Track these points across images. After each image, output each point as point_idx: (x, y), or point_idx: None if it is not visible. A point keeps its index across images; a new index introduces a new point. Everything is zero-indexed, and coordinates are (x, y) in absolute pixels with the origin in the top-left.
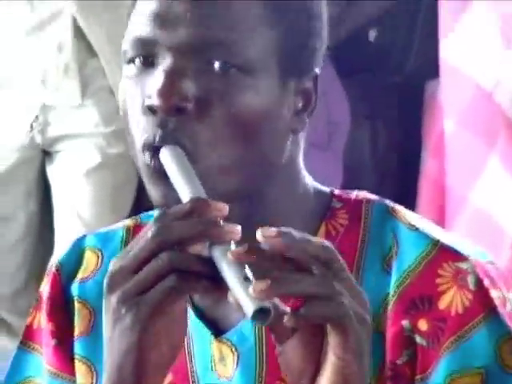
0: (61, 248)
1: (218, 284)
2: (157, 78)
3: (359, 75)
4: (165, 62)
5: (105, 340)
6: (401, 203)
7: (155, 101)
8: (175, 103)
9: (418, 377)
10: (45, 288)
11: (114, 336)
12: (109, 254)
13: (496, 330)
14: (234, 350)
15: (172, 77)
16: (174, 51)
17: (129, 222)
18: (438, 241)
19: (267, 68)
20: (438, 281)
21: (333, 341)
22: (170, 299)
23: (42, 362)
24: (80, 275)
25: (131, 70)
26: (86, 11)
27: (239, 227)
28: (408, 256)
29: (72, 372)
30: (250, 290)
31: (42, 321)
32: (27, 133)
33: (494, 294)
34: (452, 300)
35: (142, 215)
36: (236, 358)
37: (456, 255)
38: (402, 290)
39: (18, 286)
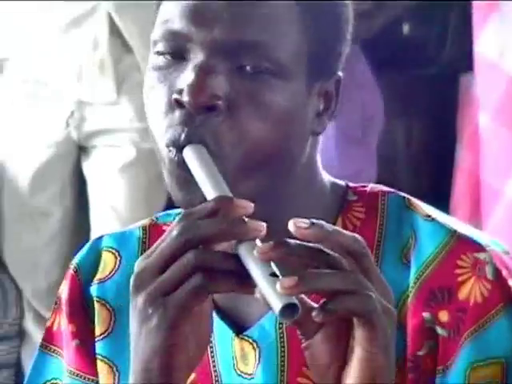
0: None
1: (244, 281)
2: (187, 74)
3: (393, 69)
4: (197, 59)
5: (131, 340)
6: (435, 196)
7: (185, 96)
8: (205, 101)
9: (439, 368)
10: (64, 290)
11: (140, 336)
12: (126, 255)
13: None
14: (255, 346)
15: (203, 74)
16: (207, 49)
17: (145, 221)
18: (456, 231)
19: (296, 71)
20: (457, 271)
21: (360, 334)
22: (196, 298)
23: (63, 365)
24: (98, 276)
25: (160, 60)
26: (121, 8)
27: (264, 224)
28: (426, 247)
29: (94, 372)
30: (278, 286)
31: (62, 323)
32: (63, 129)
33: None
34: (471, 290)
35: (158, 215)
36: (258, 354)
37: (474, 246)
38: (421, 282)
39: (53, 280)
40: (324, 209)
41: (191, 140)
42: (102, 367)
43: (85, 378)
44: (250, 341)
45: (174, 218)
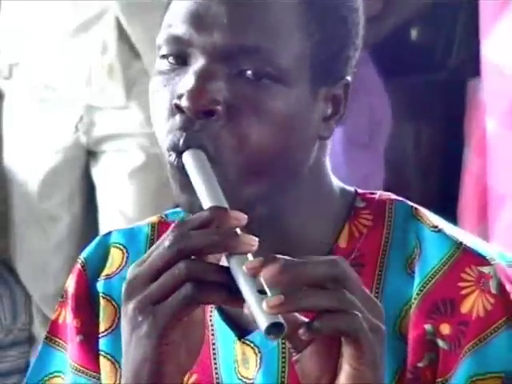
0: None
1: (234, 295)
2: (188, 79)
3: (401, 74)
4: (197, 64)
5: (123, 346)
6: (443, 200)
7: (184, 101)
8: (204, 105)
9: (438, 380)
10: (70, 284)
11: (131, 343)
12: (134, 251)
13: None
14: (257, 351)
15: (203, 79)
16: (208, 54)
17: (154, 218)
18: (461, 243)
19: (300, 76)
20: (461, 284)
21: (347, 352)
22: (186, 308)
23: (66, 358)
24: (105, 272)
25: (164, 65)
26: (128, 13)
27: (256, 239)
28: (431, 258)
29: (97, 368)
30: (264, 304)
31: (68, 317)
32: (72, 133)
33: None
34: (474, 304)
35: (168, 212)
36: (259, 359)
37: (479, 259)
38: (424, 293)
39: (62, 285)
40: (332, 214)
41: (190, 145)
42: (104, 363)
43: (87, 374)
44: (252, 345)
45: (183, 217)
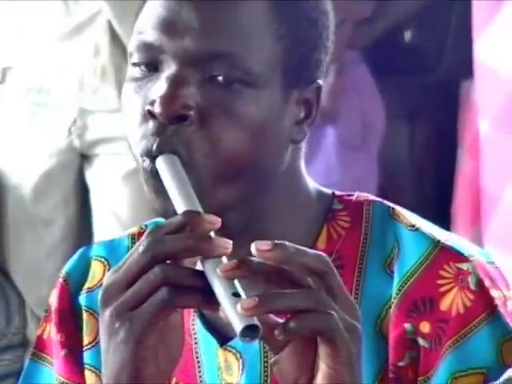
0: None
1: (209, 298)
2: (160, 85)
3: (394, 76)
4: (169, 70)
5: (101, 354)
6: (437, 201)
7: (157, 107)
8: (176, 111)
9: (420, 378)
10: (53, 299)
11: (109, 350)
12: (115, 264)
13: (497, 330)
14: (239, 356)
15: (175, 85)
16: (179, 60)
17: (134, 230)
18: (439, 241)
19: (271, 80)
20: (440, 282)
21: (323, 352)
22: (162, 312)
23: (53, 373)
24: (87, 285)
25: (135, 72)
26: (121, 16)
27: (230, 242)
28: (409, 257)
29: (82, 381)
30: (238, 307)
31: (52, 332)
32: (65, 137)
33: (495, 293)
34: (453, 301)
35: (147, 222)
36: (241, 364)
37: (457, 256)
38: (403, 293)
39: None
40: (309, 217)
41: (163, 150)
42: (89, 376)
43: None
44: (234, 351)
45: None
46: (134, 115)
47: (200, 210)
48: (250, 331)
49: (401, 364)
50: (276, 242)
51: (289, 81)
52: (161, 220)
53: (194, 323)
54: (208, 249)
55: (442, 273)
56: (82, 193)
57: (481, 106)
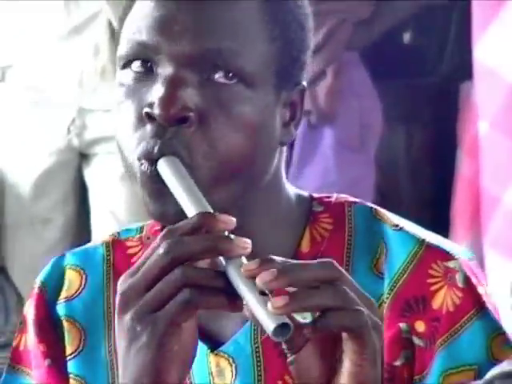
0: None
1: (232, 299)
2: (157, 87)
3: (393, 77)
4: (166, 71)
5: (119, 360)
6: (436, 204)
7: (156, 109)
8: (176, 113)
9: (416, 377)
10: (29, 310)
11: (129, 355)
12: (91, 272)
13: (486, 326)
14: (231, 361)
15: (174, 86)
16: (177, 61)
17: (107, 238)
18: (424, 240)
19: (265, 81)
20: (430, 281)
21: (350, 348)
22: (185, 313)
23: None
24: (64, 294)
25: (127, 75)
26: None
27: (249, 241)
28: (397, 257)
29: None
30: (269, 306)
31: (29, 342)
32: (64, 136)
33: (481, 290)
34: (444, 299)
35: (120, 231)
36: (234, 369)
37: (443, 254)
38: (395, 292)
39: None
40: (291, 220)
41: (164, 152)
42: None
43: None
44: (226, 356)
45: (136, 233)
46: (127, 120)
47: (211, 210)
48: (280, 330)
49: (396, 364)
50: (262, 258)
51: (280, 81)
52: (132, 227)
53: None
54: (229, 249)
55: (431, 271)
56: (81, 192)
57: (480, 107)
